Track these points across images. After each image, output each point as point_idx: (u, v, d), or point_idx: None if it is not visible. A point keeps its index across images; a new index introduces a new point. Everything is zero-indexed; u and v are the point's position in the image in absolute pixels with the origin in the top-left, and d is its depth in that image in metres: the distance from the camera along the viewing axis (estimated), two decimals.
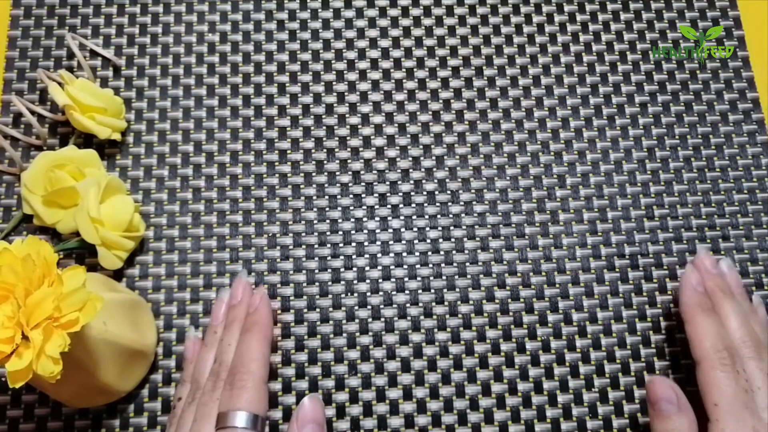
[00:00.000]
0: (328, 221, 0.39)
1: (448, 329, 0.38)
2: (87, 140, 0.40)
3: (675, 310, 0.37)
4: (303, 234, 0.39)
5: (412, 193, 0.40)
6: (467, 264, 0.39)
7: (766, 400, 0.30)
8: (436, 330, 0.38)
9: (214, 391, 0.31)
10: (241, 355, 0.32)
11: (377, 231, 0.39)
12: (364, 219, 0.40)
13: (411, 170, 0.40)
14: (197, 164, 0.40)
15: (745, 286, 0.38)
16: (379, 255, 0.39)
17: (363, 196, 0.40)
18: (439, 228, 0.39)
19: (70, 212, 0.36)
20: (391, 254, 0.39)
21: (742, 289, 0.36)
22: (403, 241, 0.39)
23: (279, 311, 0.38)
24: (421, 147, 0.41)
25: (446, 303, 0.38)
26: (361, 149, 0.41)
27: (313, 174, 0.40)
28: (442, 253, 0.39)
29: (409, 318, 0.38)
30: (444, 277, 0.39)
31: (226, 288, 0.37)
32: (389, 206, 0.40)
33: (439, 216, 0.40)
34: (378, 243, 0.39)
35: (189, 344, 0.36)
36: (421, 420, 0.36)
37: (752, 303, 0.36)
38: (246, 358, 0.32)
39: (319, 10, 0.44)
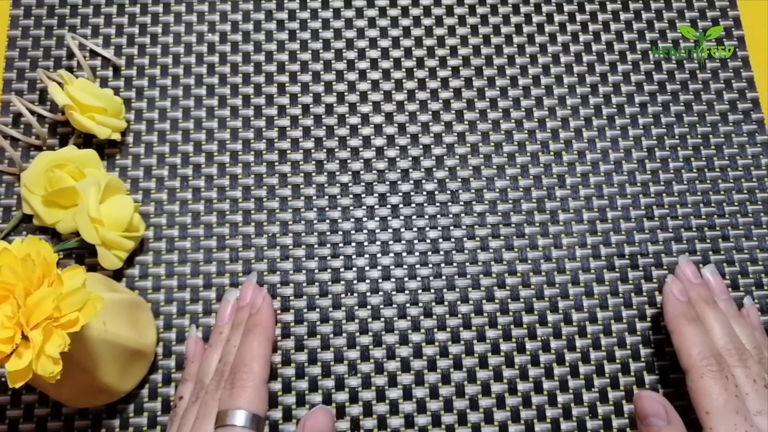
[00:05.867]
0: (327, 221, 0.39)
1: (448, 329, 0.38)
2: (87, 140, 0.40)
3: (663, 323, 0.37)
4: (303, 234, 0.39)
5: (412, 193, 0.40)
6: (467, 264, 0.39)
7: (755, 406, 0.30)
8: (435, 330, 0.38)
9: (217, 390, 0.32)
10: (242, 354, 0.32)
11: (377, 231, 0.39)
12: (364, 219, 0.40)
13: (411, 170, 0.40)
14: (197, 164, 0.40)
15: (746, 287, 0.38)
16: (378, 255, 0.39)
17: (363, 196, 0.40)
18: (439, 228, 0.39)
19: (70, 212, 0.36)
20: (391, 254, 0.39)
21: (726, 294, 0.36)
22: (403, 241, 0.39)
23: (279, 311, 0.38)
24: (421, 147, 0.41)
25: (446, 303, 0.38)
26: (360, 149, 0.41)
27: (313, 174, 0.40)
28: (441, 253, 0.39)
29: (408, 318, 0.38)
30: (444, 277, 0.39)
31: (232, 289, 0.37)
32: (389, 206, 0.40)
33: (438, 216, 0.40)
34: (378, 243, 0.39)
35: (191, 342, 0.36)
36: (421, 420, 0.36)
37: (744, 306, 0.37)
38: (247, 357, 0.32)
39: (319, 10, 0.44)
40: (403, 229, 0.39)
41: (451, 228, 0.39)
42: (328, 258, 0.39)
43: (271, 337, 0.34)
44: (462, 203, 0.40)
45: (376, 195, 0.40)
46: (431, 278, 0.38)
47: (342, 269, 0.39)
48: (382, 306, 0.38)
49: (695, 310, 0.34)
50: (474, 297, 0.38)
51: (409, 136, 0.41)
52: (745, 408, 0.30)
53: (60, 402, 0.35)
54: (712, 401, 0.30)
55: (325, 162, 0.41)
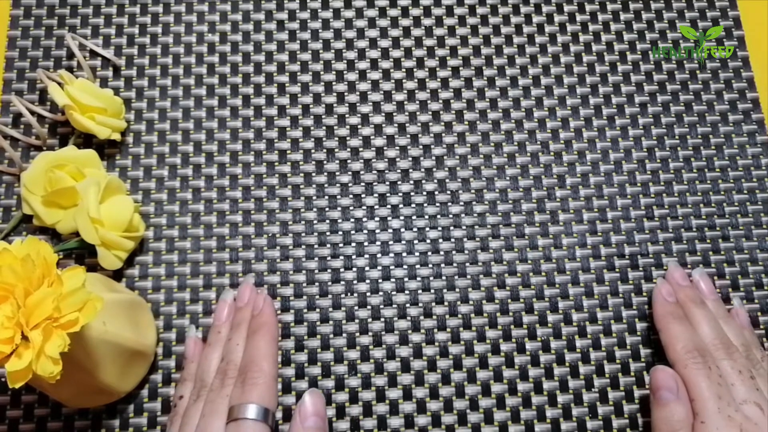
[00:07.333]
0: (327, 221, 0.39)
1: (448, 329, 0.38)
2: (87, 140, 0.40)
3: (650, 321, 0.37)
4: (303, 234, 0.39)
5: (412, 194, 0.40)
6: (467, 264, 0.39)
7: (741, 395, 0.31)
8: (435, 330, 0.38)
9: (222, 388, 0.32)
10: (251, 354, 0.33)
11: (377, 231, 0.39)
12: (364, 219, 0.40)
13: (411, 170, 0.40)
14: (197, 164, 0.40)
15: (746, 287, 0.39)
16: (378, 255, 0.39)
17: (363, 196, 0.40)
18: (439, 228, 0.39)
19: (70, 212, 0.36)
20: (391, 254, 0.39)
21: (715, 295, 0.37)
22: (403, 242, 0.39)
23: (279, 311, 0.38)
24: (420, 147, 0.41)
25: (446, 303, 0.38)
26: (360, 149, 0.41)
27: (313, 174, 0.40)
28: (441, 253, 0.39)
29: (408, 318, 0.38)
30: (444, 278, 0.39)
31: (228, 289, 0.38)
32: (389, 206, 0.40)
33: (438, 216, 0.40)
34: (378, 243, 0.39)
35: (190, 343, 0.36)
36: (421, 420, 0.36)
37: (733, 306, 0.37)
38: (257, 356, 0.33)
39: (319, 11, 0.44)
40: (403, 230, 0.39)
41: (451, 228, 0.39)
42: (328, 258, 0.39)
43: (276, 336, 0.35)
44: (462, 203, 0.40)
45: (376, 195, 0.40)
46: (431, 278, 0.38)
47: (342, 269, 0.39)
48: (382, 306, 0.38)
49: (684, 310, 0.35)
50: (474, 297, 0.38)
51: (409, 136, 0.41)
52: (730, 396, 0.31)
53: (60, 402, 0.35)
54: (697, 388, 0.31)
55: (325, 162, 0.41)
